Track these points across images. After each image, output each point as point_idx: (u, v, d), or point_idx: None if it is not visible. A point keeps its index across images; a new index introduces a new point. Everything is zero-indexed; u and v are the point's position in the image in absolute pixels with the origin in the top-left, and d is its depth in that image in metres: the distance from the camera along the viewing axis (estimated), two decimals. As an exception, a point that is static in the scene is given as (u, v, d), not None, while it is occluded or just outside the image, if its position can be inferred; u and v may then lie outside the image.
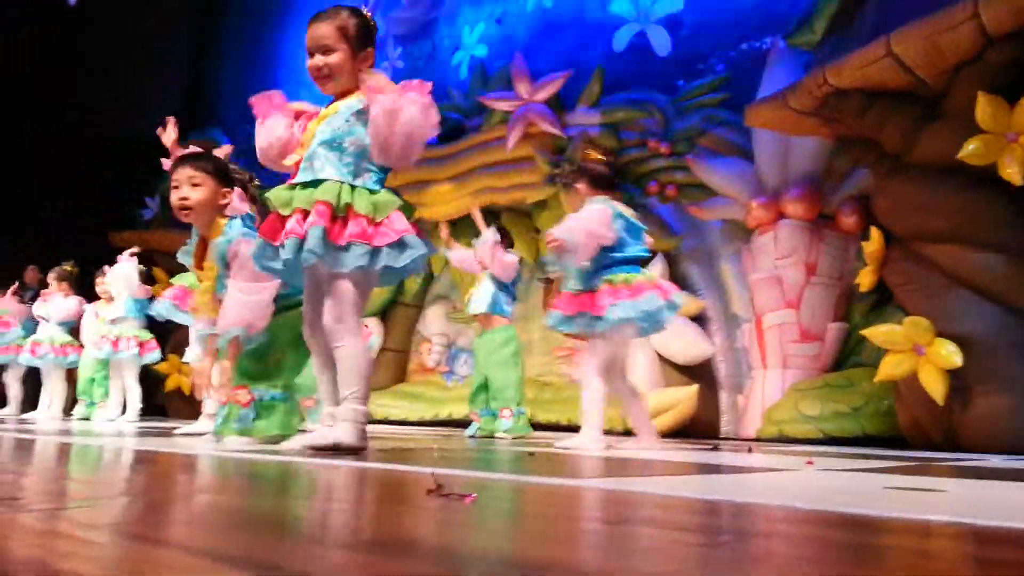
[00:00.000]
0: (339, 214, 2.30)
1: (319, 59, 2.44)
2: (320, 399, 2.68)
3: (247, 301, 2.77)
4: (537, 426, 6.07)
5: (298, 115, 2.53)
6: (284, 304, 2.90)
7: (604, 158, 3.46)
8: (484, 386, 4.49)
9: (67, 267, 6.55)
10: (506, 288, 4.57)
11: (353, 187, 2.35)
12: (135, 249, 5.78)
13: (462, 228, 6.73)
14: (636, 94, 6.07)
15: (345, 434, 2.30)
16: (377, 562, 0.72)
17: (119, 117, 8.61)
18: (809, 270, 5.21)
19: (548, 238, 3.15)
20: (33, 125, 8.51)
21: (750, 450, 3.64)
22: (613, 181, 3.41)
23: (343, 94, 2.48)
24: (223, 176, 3.04)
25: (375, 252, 2.30)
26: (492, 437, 4.33)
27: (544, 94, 6.17)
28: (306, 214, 2.31)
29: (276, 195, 2.38)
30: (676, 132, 5.88)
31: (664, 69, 6.06)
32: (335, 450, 2.26)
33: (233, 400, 2.86)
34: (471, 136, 6.81)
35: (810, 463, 2.64)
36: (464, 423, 4.77)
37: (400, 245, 2.32)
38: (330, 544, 0.83)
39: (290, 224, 2.32)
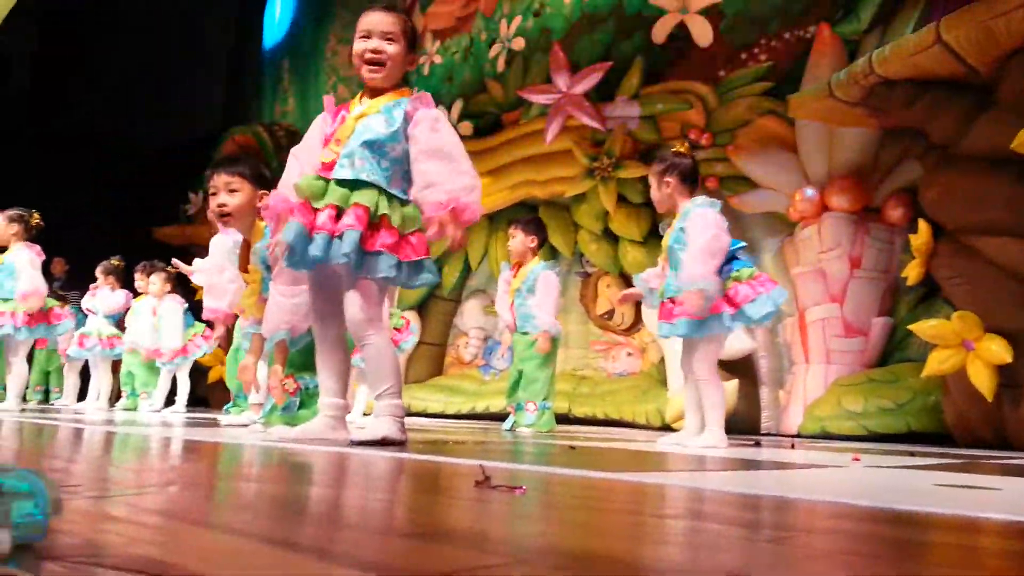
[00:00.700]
0: (373, 220, 2.31)
1: (381, 44, 2.43)
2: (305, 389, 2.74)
3: (288, 304, 2.79)
4: (573, 420, 6.07)
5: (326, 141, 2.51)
6: None
7: (691, 152, 3.41)
8: (519, 380, 4.48)
9: (114, 261, 6.69)
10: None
11: (389, 196, 2.36)
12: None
13: (499, 222, 6.74)
14: (676, 85, 6.01)
15: (387, 428, 2.33)
16: (435, 551, 0.72)
17: (162, 116, 8.77)
18: (854, 263, 5.12)
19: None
20: (80, 126, 8.70)
21: (792, 446, 3.59)
22: (698, 176, 3.35)
23: (380, 90, 2.48)
24: (259, 179, 3.06)
25: (399, 265, 2.32)
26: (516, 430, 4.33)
27: (583, 86, 6.13)
28: (338, 211, 2.31)
29: (308, 185, 2.36)
30: (717, 123, 5.81)
31: (705, 59, 5.98)
32: (380, 444, 2.28)
33: (282, 388, 2.90)
34: (509, 129, 6.79)
35: (856, 459, 2.61)
36: (501, 416, 4.77)
37: (418, 266, 2.35)
38: (382, 532, 0.83)
39: (322, 218, 2.31)
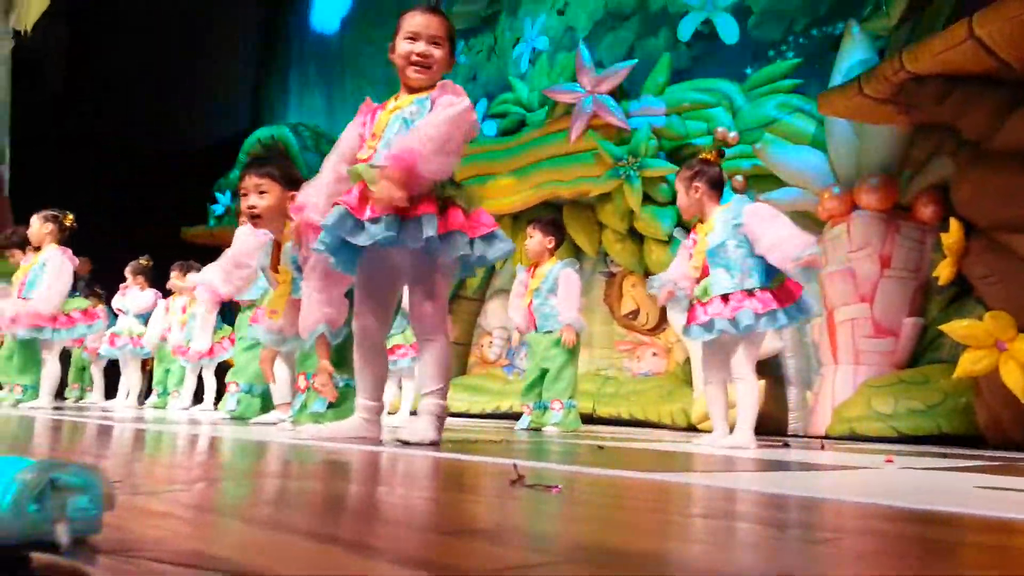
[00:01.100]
0: (440, 206, 2.31)
1: (428, 48, 2.44)
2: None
3: (324, 299, 2.80)
4: (597, 420, 6.05)
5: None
6: None
7: (719, 159, 3.42)
8: (540, 379, 4.47)
9: (142, 261, 6.79)
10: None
11: (444, 180, 2.36)
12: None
13: (523, 221, 6.74)
14: (703, 83, 5.97)
15: (426, 428, 2.35)
16: (481, 549, 0.72)
17: (191, 117, 8.86)
18: (883, 263, 5.06)
19: (810, 260, 2.93)
20: (110, 127, 8.81)
21: (823, 447, 3.56)
22: (724, 182, 3.38)
23: (419, 90, 2.49)
24: (288, 181, 3.08)
25: (472, 242, 2.32)
26: (540, 430, 4.31)
27: (608, 85, 6.11)
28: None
29: (365, 170, 2.34)
30: (744, 121, 5.77)
31: (732, 57, 5.94)
32: (416, 444, 2.28)
33: (312, 387, 2.92)
34: (533, 129, 6.79)
35: (890, 460, 2.58)
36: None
37: (491, 237, 2.35)
38: (426, 529, 0.83)
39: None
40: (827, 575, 0.69)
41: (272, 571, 0.59)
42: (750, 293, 3.07)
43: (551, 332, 4.34)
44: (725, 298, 3.10)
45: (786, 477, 1.85)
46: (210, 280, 3.99)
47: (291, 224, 2.65)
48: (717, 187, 3.27)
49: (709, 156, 3.38)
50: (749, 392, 3.12)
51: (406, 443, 2.29)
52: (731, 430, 3.20)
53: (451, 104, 2.32)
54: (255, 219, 3.09)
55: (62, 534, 0.63)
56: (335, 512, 0.95)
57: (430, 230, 2.25)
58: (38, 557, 0.54)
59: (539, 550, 0.74)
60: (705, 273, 3.18)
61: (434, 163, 2.24)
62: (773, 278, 3.11)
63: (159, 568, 0.59)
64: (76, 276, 6.89)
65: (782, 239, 3.00)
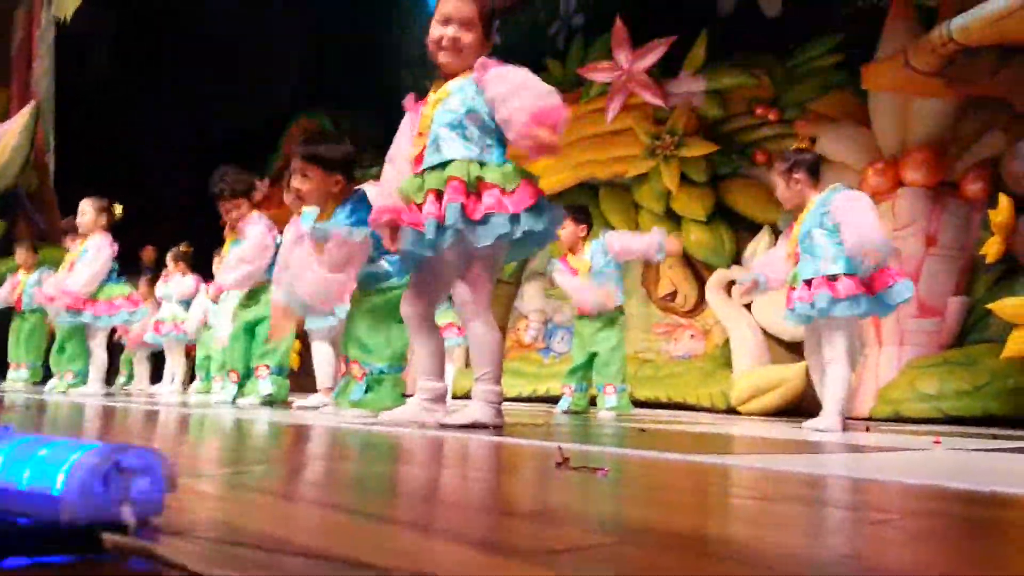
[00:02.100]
0: (471, 190, 2.32)
1: (458, 31, 2.43)
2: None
3: (340, 279, 2.86)
4: (635, 403, 6.02)
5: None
6: (394, 284, 2.96)
7: (812, 146, 3.46)
8: (585, 363, 4.45)
9: (183, 248, 6.88)
10: (618, 268, 4.50)
11: (481, 163, 2.36)
12: None
13: (559, 203, 6.69)
14: (743, 59, 5.86)
15: (481, 413, 2.35)
16: (540, 529, 0.72)
17: (231, 104, 8.95)
18: (929, 240, 4.95)
19: (867, 254, 2.98)
20: (153, 117, 8.94)
21: (868, 429, 3.51)
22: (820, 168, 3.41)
23: (452, 75, 2.48)
24: (331, 165, 3.10)
25: (514, 219, 2.30)
26: (580, 413, 4.30)
27: (646, 62, 6.02)
28: (439, 195, 2.33)
29: (408, 186, 2.42)
30: (786, 97, 5.65)
31: (773, 31, 5.81)
32: (472, 427, 2.30)
33: (350, 374, 2.95)
34: (569, 108, 6.72)
35: (937, 442, 2.54)
36: (560, 399, 4.75)
37: (537, 209, 2.32)
38: (484, 510, 0.83)
39: (427, 207, 2.34)
40: (890, 556, 0.67)
41: (334, 551, 0.59)
42: (832, 279, 3.10)
43: (600, 315, 4.32)
44: (808, 283, 3.16)
45: (837, 459, 1.83)
46: (223, 283, 4.15)
47: (375, 228, 2.65)
48: (815, 174, 3.30)
49: (802, 144, 3.42)
50: (839, 377, 3.15)
51: (453, 426, 2.30)
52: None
53: (500, 70, 2.36)
54: (300, 199, 3.18)
55: (128, 515, 0.65)
56: (391, 493, 0.96)
57: (452, 218, 2.28)
58: (108, 537, 0.54)
59: (594, 531, 0.73)
60: (797, 260, 3.25)
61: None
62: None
63: (224, 549, 0.60)
64: (142, 265, 7.04)
65: (859, 227, 3.02)
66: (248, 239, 4.03)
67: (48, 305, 4.88)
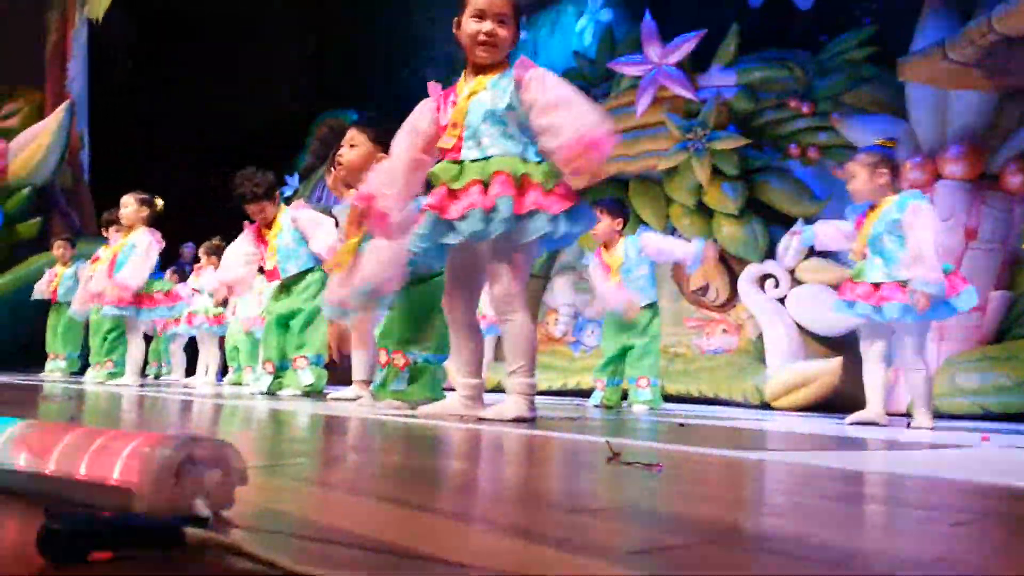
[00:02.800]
0: (517, 185, 2.32)
1: (495, 27, 2.42)
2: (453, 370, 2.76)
3: (386, 276, 2.85)
4: (666, 398, 5.97)
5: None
6: (434, 273, 2.95)
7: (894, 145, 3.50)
8: (618, 357, 4.41)
9: (215, 242, 6.94)
10: (651, 266, 4.45)
11: (524, 159, 2.36)
12: None
13: (588, 197, 6.66)
14: (775, 52, 5.78)
15: (519, 407, 2.35)
16: (615, 527, 0.70)
17: (260, 101, 9.01)
18: (969, 234, 4.85)
19: (918, 299, 3.04)
20: (184, 113, 9.02)
21: (908, 425, 3.45)
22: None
23: (485, 68, 2.47)
24: (377, 137, 3.11)
25: (554, 219, 2.31)
26: (612, 407, 4.26)
27: (676, 56, 5.96)
28: (482, 186, 2.32)
29: (443, 170, 2.39)
30: (819, 90, 5.57)
31: (805, 24, 5.73)
32: (512, 422, 2.29)
33: (392, 364, 2.94)
34: (599, 103, 6.68)
35: (986, 439, 2.49)
36: (590, 393, 4.72)
37: (575, 211, 2.34)
38: (553, 507, 0.81)
39: (471, 196, 2.32)
40: (982, 560, 0.65)
41: (404, 545, 0.58)
42: (903, 285, 3.12)
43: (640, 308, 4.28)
44: (877, 286, 3.18)
45: (892, 456, 1.80)
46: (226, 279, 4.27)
47: (356, 208, 2.66)
48: (898, 177, 3.34)
49: (886, 143, 3.49)
50: (922, 380, 3.24)
51: (492, 421, 2.29)
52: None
53: (545, 76, 2.36)
54: (340, 169, 3.22)
55: (202, 508, 0.64)
56: (446, 487, 0.95)
57: (505, 211, 2.27)
58: (190, 531, 0.54)
59: (670, 530, 0.71)
60: (864, 257, 3.27)
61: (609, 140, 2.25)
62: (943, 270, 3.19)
63: (304, 545, 0.59)
64: (180, 260, 7.12)
65: (919, 258, 3.06)
66: (305, 219, 4.09)
67: (95, 301, 4.95)
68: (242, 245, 4.30)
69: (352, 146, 3.11)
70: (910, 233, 3.11)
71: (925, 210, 3.19)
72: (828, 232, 3.48)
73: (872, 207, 3.30)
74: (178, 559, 0.52)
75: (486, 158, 2.36)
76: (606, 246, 4.39)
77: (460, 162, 2.39)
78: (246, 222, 4.37)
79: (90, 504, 0.64)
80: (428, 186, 2.50)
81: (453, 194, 2.36)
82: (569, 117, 2.25)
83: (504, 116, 2.38)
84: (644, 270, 4.27)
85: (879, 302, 3.14)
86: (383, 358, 3.06)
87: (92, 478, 0.68)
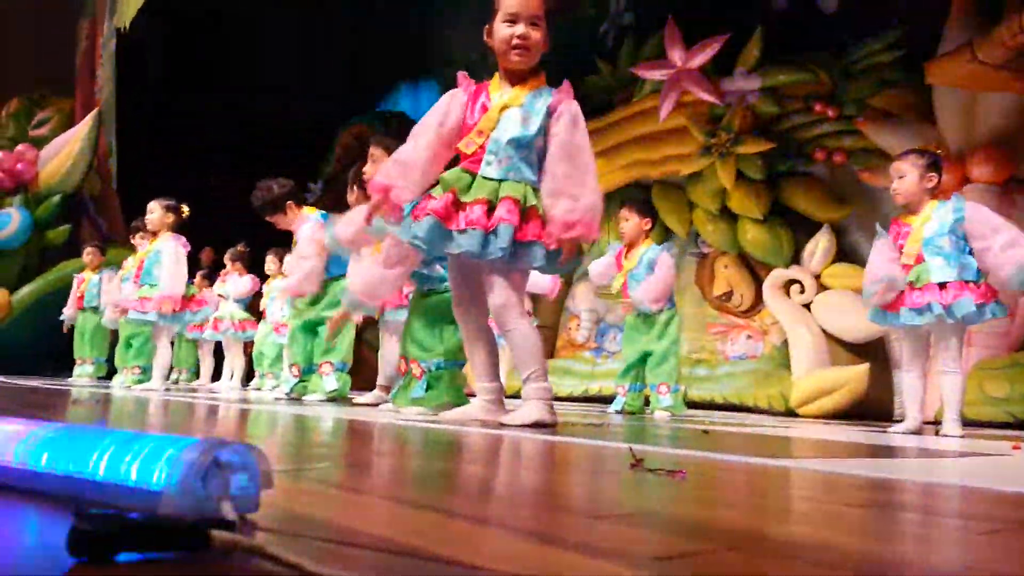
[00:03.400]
0: (521, 212, 2.34)
1: (528, 30, 2.42)
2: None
3: (390, 276, 2.90)
4: (689, 404, 5.94)
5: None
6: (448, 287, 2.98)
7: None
8: (638, 362, 4.39)
9: (239, 248, 7.03)
10: None
11: (535, 188, 2.39)
12: None
13: (611, 203, 6.65)
14: (800, 55, 5.74)
15: (537, 412, 2.35)
16: (638, 534, 0.70)
17: (287, 109, 9.09)
18: (998, 239, 4.77)
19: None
20: (210, 120, 9.13)
21: (937, 433, 3.40)
22: None
23: (519, 73, 2.47)
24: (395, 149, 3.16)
25: (548, 254, 2.36)
26: (634, 413, 4.24)
27: (699, 60, 5.93)
28: (489, 206, 2.33)
29: (455, 179, 2.39)
30: (844, 94, 5.52)
31: (830, 27, 5.68)
32: (533, 427, 2.29)
33: (410, 373, 2.98)
34: (621, 108, 6.67)
35: (1017, 448, 2.45)
36: (612, 399, 4.71)
37: (560, 253, 2.38)
38: (578, 513, 0.81)
39: (474, 213, 2.33)
40: (1013, 570, 0.64)
41: (426, 548, 0.58)
42: (966, 283, 3.13)
43: (651, 315, 4.27)
44: (943, 286, 3.17)
45: (921, 464, 1.77)
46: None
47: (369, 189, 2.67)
48: (940, 182, 3.34)
49: (935, 150, 3.53)
50: (957, 385, 3.23)
51: (514, 426, 2.29)
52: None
53: (576, 118, 2.42)
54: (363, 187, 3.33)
55: (228, 511, 0.64)
56: (470, 492, 0.95)
57: (504, 241, 2.29)
58: (217, 534, 0.54)
59: (693, 536, 0.71)
60: (919, 260, 3.24)
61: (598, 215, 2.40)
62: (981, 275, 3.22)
63: (331, 548, 0.59)
64: (199, 265, 7.23)
65: (1015, 241, 3.09)
66: (300, 238, 4.10)
67: (129, 307, 5.04)
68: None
69: (374, 162, 3.14)
70: (989, 232, 3.12)
71: (981, 213, 3.23)
72: (891, 268, 3.35)
73: (907, 213, 3.31)
74: (204, 561, 0.53)
75: (502, 180, 2.37)
76: (630, 245, 4.38)
77: (473, 174, 2.39)
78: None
79: (118, 506, 0.65)
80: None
81: (459, 205, 2.36)
82: (572, 185, 2.34)
83: (531, 142, 2.40)
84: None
85: (951, 301, 3.11)
86: (403, 366, 3.09)
87: (120, 480, 0.68)
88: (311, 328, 4.16)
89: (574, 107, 2.43)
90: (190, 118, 9.15)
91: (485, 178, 2.38)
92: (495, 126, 2.41)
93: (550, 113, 2.40)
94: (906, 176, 3.29)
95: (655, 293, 4.18)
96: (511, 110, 2.42)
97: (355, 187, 3.73)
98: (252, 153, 8.76)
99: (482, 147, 2.41)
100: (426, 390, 3.00)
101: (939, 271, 3.17)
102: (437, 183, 2.45)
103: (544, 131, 2.40)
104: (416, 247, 2.49)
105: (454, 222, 2.35)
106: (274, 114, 9.13)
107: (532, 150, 2.40)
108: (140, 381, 5.14)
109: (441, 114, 2.50)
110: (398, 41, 9.53)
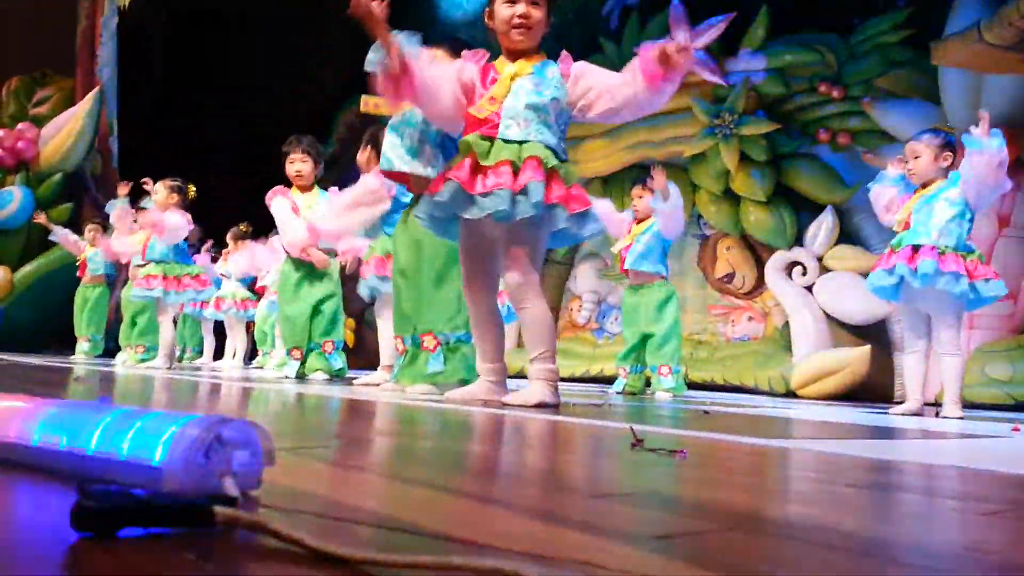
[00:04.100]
0: (545, 174, 2.32)
1: (528, 9, 2.41)
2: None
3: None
4: (690, 385, 5.95)
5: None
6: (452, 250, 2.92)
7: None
8: (639, 344, 4.40)
9: (242, 227, 7.02)
10: (666, 245, 4.44)
11: (555, 152, 2.38)
12: None
13: (614, 185, 6.63)
14: (806, 36, 5.69)
15: (541, 392, 2.35)
16: (641, 514, 0.70)
17: (290, 88, 9.05)
18: (1002, 222, 4.77)
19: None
20: (212, 102, 9.10)
21: (937, 415, 3.41)
22: None
23: (521, 52, 2.46)
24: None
25: (570, 218, 2.34)
26: (636, 394, 4.26)
27: (704, 40, 5.86)
28: (512, 168, 2.31)
29: (475, 143, 2.36)
30: (850, 75, 5.47)
31: (837, 7, 5.62)
32: (537, 407, 2.29)
33: (421, 347, 2.93)
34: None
35: (1016, 429, 2.46)
36: (614, 380, 4.72)
37: (584, 216, 2.37)
38: (579, 492, 0.81)
39: (500, 175, 2.30)
40: (1014, 551, 0.64)
41: (427, 525, 0.58)
42: (942, 252, 3.12)
43: (650, 288, 4.27)
44: (916, 249, 3.16)
45: (921, 446, 1.77)
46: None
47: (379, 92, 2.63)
48: (955, 164, 3.31)
49: (950, 130, 3.52)
50: (957, 367, 3.23)
51: (517, 406, 2.29)
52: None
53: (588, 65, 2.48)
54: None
55: (231, 487, 0.65)
56: (472, 471, 0.95)
57: (536, 197, 2.26)
58: (220, 510, 0.54)
59: (694, 516, 0.71)
60: (906, 227, 3.25)
61: None
62: (971, 250, 3.20)
63: (331, 524, 0.60)
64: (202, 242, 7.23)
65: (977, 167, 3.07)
66: (361, 183, 3.93)
67: (135, 290, 5.07)
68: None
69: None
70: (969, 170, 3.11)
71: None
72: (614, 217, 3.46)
73: (922, 187, 3.30)
74: (207, 536, 0.53)
75: (523, 141, 2.35)
76: (640, 220, 4.40)
77: (491, 140, 2.37)
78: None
79: (121, 482, 0.65)
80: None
81: (481, 170, 2.34)
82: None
83: (548, 106, 2.39)
84: (649, 239, 4.28)
85: (914, 264, 3.11)
86: (400, 346, 3.06)
87: (123, 457, 0.69)
88: (315, 308, 4.16)
89: (583, 62, 2.47)
90: (192, 97, 9.12)
91: (505, 140, 2.36)
92: (508, 92, 2.41)
93: (564, 78, 2.42)
94: (921, 156, 3.28)
95: (674, 221, 4.22)
96: (522, 79, 2.43)
97: (367, 146, 3.78)
98: (255, 133, 8.74)
99: (496, 113, 2.40)
100: (444, 364, 2.90)
101: (914, 235, 3.17)
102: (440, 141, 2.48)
103: (564, 96, 2.41)
104: (424, 224, 2.50)
105: (476, 186, 2.33)
106: (279, 94, 9.09)
107: (550, 114, 2.40)
108: (144, 359, 5.16)
109: (456, 69, 2.51)
110: (410, 26, 9.45)
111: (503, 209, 2.29)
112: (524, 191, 2.28)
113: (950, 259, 3.08)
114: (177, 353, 7.62)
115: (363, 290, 3.96)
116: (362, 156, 3.83)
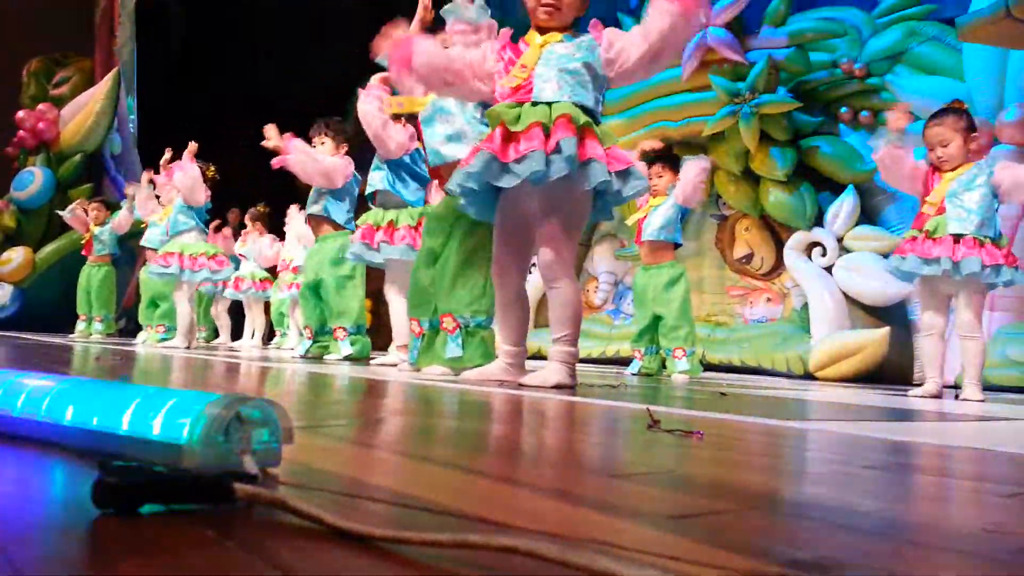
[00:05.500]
0: (577, 132, 2.29)
1: None
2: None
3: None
4: (708, 367, 5.93)
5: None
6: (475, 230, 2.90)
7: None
8: (651, 325, 4.39)
9: (259, 208, 7.06)
10: (684, 212, 4.43)
11: (588, 111, 2.36)
12: None
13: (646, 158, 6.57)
14: (828, 12, 5.60)
15: (559, 374, 2.35)
16: (658, 493, 0.70)
17: (308, 69, 9.04)
18: (1026, 203, 4.68)
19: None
20: (230, 83, 9.11)
21: (957, 397, 3.38)
22: None
23: (548, 29, 2.44)
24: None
25: (611, 174, 2.30)
26: (651, 375, 4.25)
27: (725, 17, 5.80)
28: (543, 129, 2.28)
29: (504, 111, 2.34)
30: (872, 52, 5.39)
31: (860, -17, 5.53)
32: (553, 388, 2.29)
33: (441, 329, 2.92)
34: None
35: (1038, 413, 2.43)
36: (630, 361, 4.71)
37: (626, 174, 2.33)
38: (596, 472, 0.82)
39: (532, 139, 2.27)
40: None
41: (444, 503, 0.58)
42: (982, 242, 3.10)
43: (659, 268, 4.27)
44: (957, 240, 3.13)
45: (940, 428, 1.76)
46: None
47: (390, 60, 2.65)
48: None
49: (959, 104, 3.47)
50: (978, 350, 3.23)
51: (532, 386, 2.30)
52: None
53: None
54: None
55: (250, 465, 0.65)
56: (489, 450, 0.96)
57: (569, 150, 2.23)
58: (240, 487, 0.55)
59: (711, 496, 0.71)
60: (941, 211, 3.21)
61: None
62: (1002, 235, 3.19)
63: (350, 503, 0.60)
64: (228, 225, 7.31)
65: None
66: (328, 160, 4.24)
67: (152, 268, 5.14)
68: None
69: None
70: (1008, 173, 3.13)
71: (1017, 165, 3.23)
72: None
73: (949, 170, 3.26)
74: (227, 513, 0.53)
75: (554, 102, 2.32)
76: (654, 194, 4.39)
77: (520, 105, 2.34)
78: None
79: (142, 459, 0.66)
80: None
81: (512, 137, 2.31)
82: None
83: (580, 69, 2.36)
84: (666, 211, 4.27)
85: (960, 257, 3.08)
86: (415, 328, 3.05)
87: (145, 435, 0.69)
88: (314, 289, 4.18)
89: (612, 28, 2.44)
90: (211, 78, 9.13)
91: (535, 103, 2.33)
92: (539, 58, 2.39)
93: (596, 44, 2.39)
94: (951, 143, 3.23)
95: (691, 188, 4.21)
96: (552, 45, 2.41)
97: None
98: (273, 112, 8.74)
99: (528, 80, 2.38)
100: (463, 347, 2.86)
101: (957, 223, 3.14)
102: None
103: (598, 61, 2.38)
104: (463, 193, 2.47)
105: (508, 153, 2.31)
106: (297, 75, 9.08)
107: (584, 76, 2.37)
108: (164, 339, 5.21)
109: (479, 58, 2.50)
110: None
111: (538, 170, 2.24)
112: (557, 149, 2.25)
113: (992, 251, 3.08)
114: (203, 333, 7.71)
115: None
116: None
